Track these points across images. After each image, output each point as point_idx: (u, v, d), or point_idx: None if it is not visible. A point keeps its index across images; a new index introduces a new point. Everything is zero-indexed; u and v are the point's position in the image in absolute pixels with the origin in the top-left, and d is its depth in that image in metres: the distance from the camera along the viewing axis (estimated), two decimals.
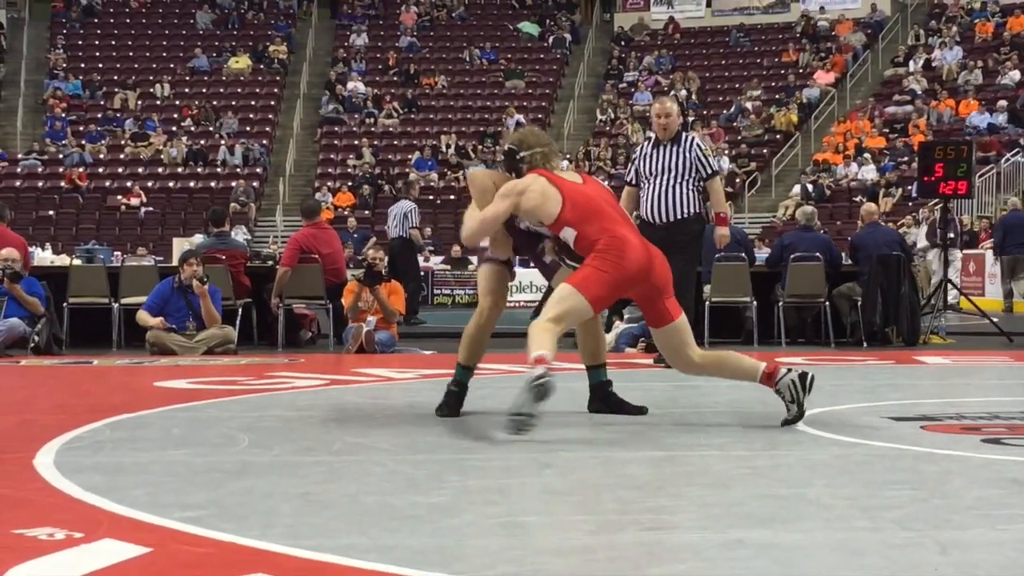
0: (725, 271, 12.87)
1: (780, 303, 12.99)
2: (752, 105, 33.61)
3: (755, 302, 12.89)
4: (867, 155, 29.87)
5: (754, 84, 34.50)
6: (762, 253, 16.94)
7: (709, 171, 9.74)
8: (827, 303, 12.92)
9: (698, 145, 9.84)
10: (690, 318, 9.76)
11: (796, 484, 4.42)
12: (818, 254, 12.95)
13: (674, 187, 9.60)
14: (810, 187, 29.30)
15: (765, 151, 32.11)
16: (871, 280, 12.55)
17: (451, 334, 15.39)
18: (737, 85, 35.02)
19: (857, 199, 27.40)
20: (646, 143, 9.99)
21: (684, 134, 9.90)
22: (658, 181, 9.63)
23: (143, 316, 11.39)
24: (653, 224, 9.62)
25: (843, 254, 14.02)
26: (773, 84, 34.71)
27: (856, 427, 5.97)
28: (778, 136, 32.51)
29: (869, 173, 29.33)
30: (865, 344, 12.49)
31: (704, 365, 6.14)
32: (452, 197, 30.61)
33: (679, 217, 9.59)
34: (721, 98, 34.93)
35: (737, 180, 30.91)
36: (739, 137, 32.60)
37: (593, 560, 3.19)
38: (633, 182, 9.91)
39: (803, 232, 13.49)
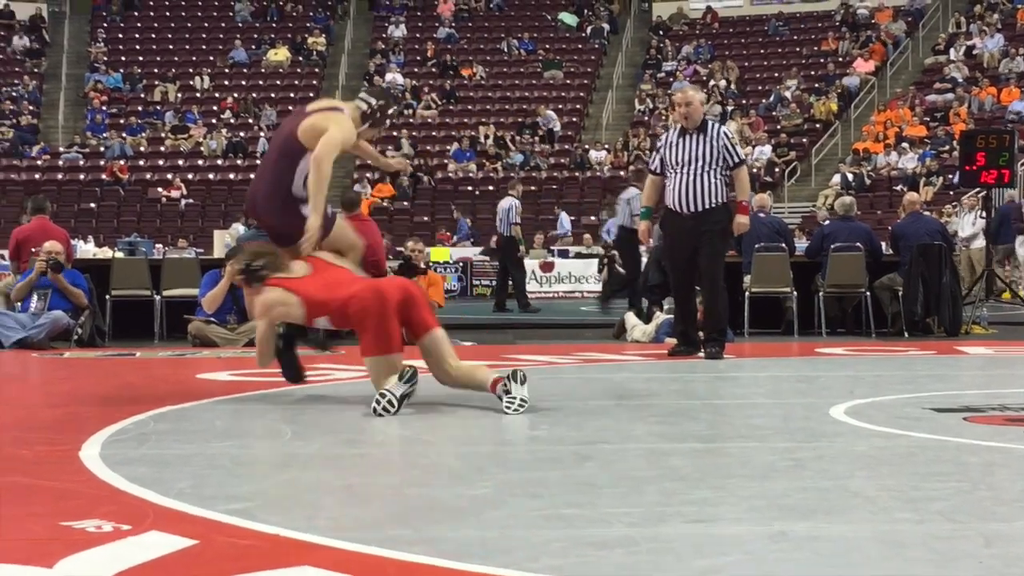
0: (765, 261, 12.83)
1: (821, 293, 12.95)
2: (791, 94, 33.46)
3: (795, 292, 12.85)
4: (907, 144, 29.68)
5: (793, 73, 34.34)
6: (802, 243, 16.89)
7: (736, 160, 9.68)
8: (868, 293, 12.86)
9: (725, 134, 9.78)
10: (722, 307, 9.75)
11: (839, 476, 4.40)
12: (859, 244, 12.90)
13: (701, 176, 9.54)
14: (850, 176, 29.15)
15: (804, 140, 31.98)
16: (912, 270, 12.48)
17: (492, 325, 15.47)
18: (776, 74, 34.88)
19: (897, 188, 27.26)
20: (672, 131, 9.90)
21: (710, 122, 9.85)
22: (685, 171, 9.57)
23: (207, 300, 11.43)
24: (680, 214, 9.57)
25: (884, 244, 13.95)
26: (812, 73, 34.55)
27: (898, 418, 5.94)
28: (818, 125, 32.36)
29: (909, 162, 29.15)
30: (906, 334, 12.42)
31: (459, 377, 6.45)
32: (491, 188, 30.63)
33: (707, 207, 9.54)
34: (760, 87, 34.80)
35: (776, 170, 30.80)
36: (778, 127, 32.46)
37: (636, 552, 3.19)
38: (657, 171, 9.87)
39: (843, 222, 13.43)
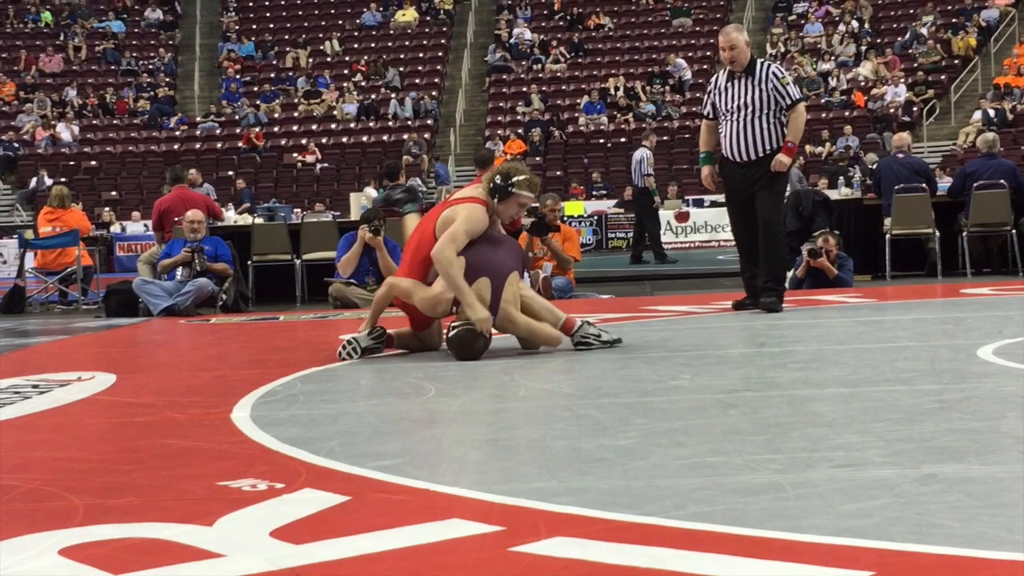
0: (906, 202, 12.62)
1: (964, 233, 12.69)
2: (928, 31, 32.70)
3: (938, 233, 12.61)
4: None
5: (929, 9, 33.55)
6: (943, 182, 16.57)
7: (789, 101, 8.99)
8: (1014, 231, 12.58)
9: (775, 74, 9.05)
10: (779, 255, 9.22)
11: (989, 417, 4.33)
12: (1003, 181, 12.61)
13: (752, 122, 8.94)
14: (991, 112, 28.45)
15: (943, 77, 31.27)
16: None
17: (629, 278, 15.46)
18: (911, 11, 34.12)
19: None
20: (721, 74, 9.26)
21: (760, 62, 9.16)
22: (735, 117, 8.99)
23: (342, 264, 11.56)
24: (734, 162, 9.08)
25: None
26: (949, 8, 33.72)
27: None
28: (956, 61, 31.61)
29: None
30: None
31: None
32: (623, 140, 30.49)
33: (760, 155, 8.94)
34: (895, 25, 34.09)
35: (914, 109, 30.18)
36: (915, 64, 31.80)
37: (784, 499, 3.18)
38: (710, 116, 9.30)
39: (986, 159, 13.14)
